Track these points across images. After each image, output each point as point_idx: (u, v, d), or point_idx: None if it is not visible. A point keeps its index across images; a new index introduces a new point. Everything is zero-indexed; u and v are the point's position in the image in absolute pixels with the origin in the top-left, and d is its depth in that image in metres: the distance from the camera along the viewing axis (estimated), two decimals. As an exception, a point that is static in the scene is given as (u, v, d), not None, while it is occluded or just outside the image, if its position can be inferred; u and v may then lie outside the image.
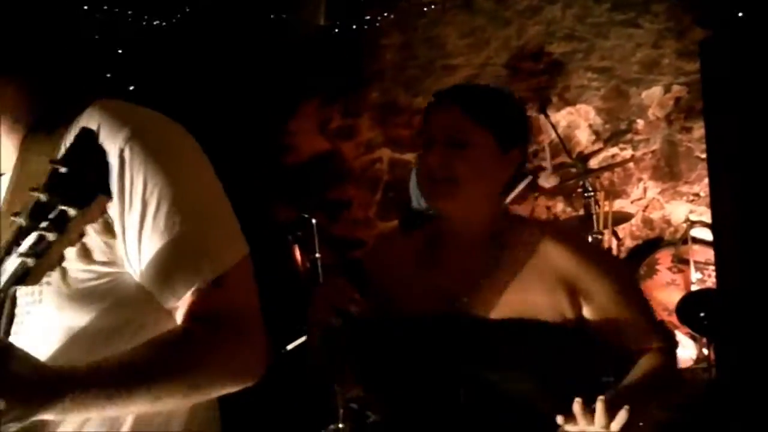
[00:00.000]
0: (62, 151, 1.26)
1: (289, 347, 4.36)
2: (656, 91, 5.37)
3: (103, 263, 1.31)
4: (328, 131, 6.32)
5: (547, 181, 4.96)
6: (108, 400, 1.21)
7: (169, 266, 1.30)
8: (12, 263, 1.08)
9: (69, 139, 1.29)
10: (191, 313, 1.32)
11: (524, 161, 1.92)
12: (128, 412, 1.30)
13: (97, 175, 1.07)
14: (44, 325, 1.32)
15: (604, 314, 1.80)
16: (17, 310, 1.30)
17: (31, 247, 1.06)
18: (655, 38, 5.33)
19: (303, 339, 4.35)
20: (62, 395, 1.16)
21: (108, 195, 1.10)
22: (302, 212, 4.68)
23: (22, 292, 1.31)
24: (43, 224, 1.05)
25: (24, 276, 1.08)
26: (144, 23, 4.31)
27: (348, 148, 6.29)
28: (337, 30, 5.76)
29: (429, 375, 1.79)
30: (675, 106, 5.32)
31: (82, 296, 1.32)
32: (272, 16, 5.25)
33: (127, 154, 1.28)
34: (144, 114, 1.40)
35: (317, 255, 4.52)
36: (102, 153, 1.10)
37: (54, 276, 1.28)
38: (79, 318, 1.32)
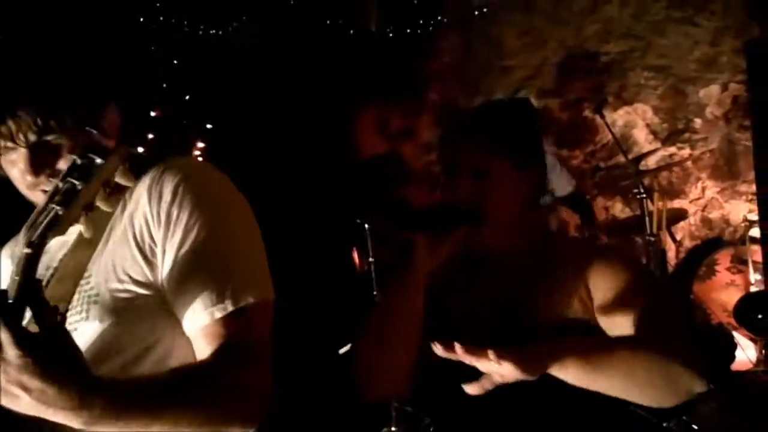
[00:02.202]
0: (131, 197, 1.51)
1: (342, 350, 4.44)
2: (714, 89, 5.30)
3: (143, 284, 1.45)
4: (389, 133, 6.39)
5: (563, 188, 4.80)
6: (135, 417, 1.28)
7: (195, 292, 1.42)
8: (46, 216, 1.17)
9: (140, 188, 1.50)
10: (209, 342, 1.42)
11: (544, 172, 1.97)
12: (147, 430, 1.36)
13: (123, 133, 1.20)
14: (86, 341, 1.42)
15: (637, 328, 1.78)
16: (68, 327, 1.42)
17: (61, 197, 1.17)
18: (712, 36, 5.25)
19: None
20: (95, 398, 1.22)
21: (129, 144, 1.23)
22: (361, 216, 4.75)
23: (73, 311, 1.45)
24: (74, 175, 1.16)
25: (55, 223, 1.17)
26: (200, 33, 4.44)
27: (407, 150, 6.35)
28: (392, 34, 5.82)
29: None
30: (733, 105, 5.24)
31: (121, 313, 1.44)
32: (328, 22, 5.34)
33: (180, 189, 1.45)
34: (198, 163, 1.68)
35: (371, 259, 4.59)
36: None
37: (102, 294, 1.43)
38: (115, 334, 1.44)
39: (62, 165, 1.42)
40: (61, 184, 1.18)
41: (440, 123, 6.19)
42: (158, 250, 1.45)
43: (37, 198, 1.48)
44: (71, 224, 1.21)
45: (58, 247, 1.59)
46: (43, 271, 1.56)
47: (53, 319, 1.21)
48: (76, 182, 1.16)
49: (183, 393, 1.35)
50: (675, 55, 5.38)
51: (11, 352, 1.13)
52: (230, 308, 1.41)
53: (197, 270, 1.42)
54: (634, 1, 5.46)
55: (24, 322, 1.17)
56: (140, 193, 1.51)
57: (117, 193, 1.28)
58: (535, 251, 1.91)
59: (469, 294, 1.91)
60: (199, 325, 1.43)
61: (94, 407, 1.21)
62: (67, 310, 1.42)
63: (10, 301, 1.16)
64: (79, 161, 1.17)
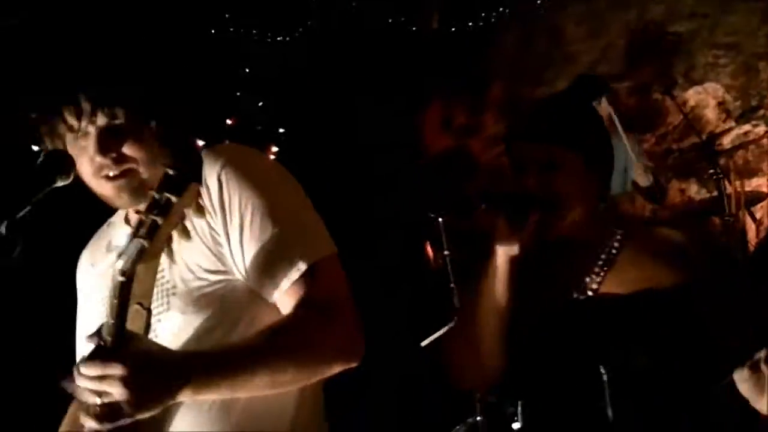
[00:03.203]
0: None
1: (425, 343, 4.45)
2: (787, 63, 5.19)
3: (215, 272, 1.56)
4: (454, 128, 6.39)
5: (639, 179, 4.67)
6: (230, 381, 1.44)
7: (269, 264, 1.53)
8: (132, 248, 1.31)
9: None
10: (293, 302, 1.53)
11: (610, 171, 2.00)
12: (245, 392, 1.49)
13: (190, 170, 1.32)
14: (172, 330, 1.55)
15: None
16: (152, 320, 1.51)
17: (145, 232, 1.30)
18: (782, 9, 5.15)
19: (439, 333, 4.44)
20: (188, 377, 1.37)
21: (198, 181, 1.33)
22: (431, 212, 4.76)
23: (155, 304, 1.54)
24: (154, 212, 1.29)
25: (141, 254, 1.31)
26: (268, 40, 4.52)
27: (474, 144, 6.35)
28: (454, 29, 5.83)
29: (569, 358, 1.84)
30: (807, 78, 5.12)
31: (201, 301, 1.56)
32: (390, 21, 5.38)
33: (223, 177, 1.55)
34: (234, 147, 1.71)
35: (446, 252, 4.60)
36: (197, 155, 1.39)
37: (179, 285, 1.55)
38: (200, 320, 1.56)
39: (126, 150, 1.55)
40: (144, 217, 1.30)
41: (505, 116, 6.18)
42: (222, 239, 1.55)
43: (101, 188, 1.59)
44: (156, 255, 1.36)
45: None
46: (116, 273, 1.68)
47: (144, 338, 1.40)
48: (157, 218, 1.29)
49: (271, 345, 1.48)
50: (744, 31, 5.28)
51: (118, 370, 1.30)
52: (303, 268, 1.52)
53: (264, 244, 1.53)
54: (699, -21, 5.38)
55: None
56: None
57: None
58: (606, 242, 1.93)
59: (546, 285, 1.91)
60: (281, 292, 1.53)
61: (187, 387, 1.37)
62: (150, 304, 1.49)
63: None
64: (157, 196, 1.29)
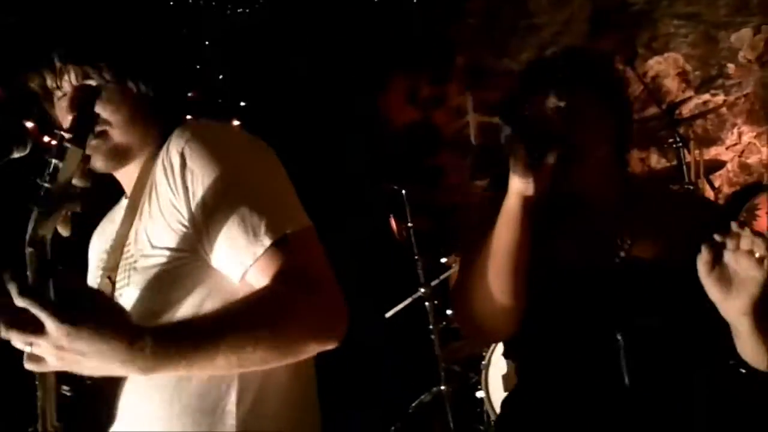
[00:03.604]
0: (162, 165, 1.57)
1: (389, 314, 4.49)
2: (746, 33, 5.21)
3: (176, 249, 1.52)
4: (418, 100, 6.40)
5: None
6: (190, 352, 1.31)
7: (233, 241, 1.47)
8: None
9: (164, 155, 1.56)
10: (264, 279, 1.46)
11: (630, 120, 2.00)
12: (207, 369, 1.36)
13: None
14: (130, 305, 1.51)
15: None
16: (115, 293, 1.52)
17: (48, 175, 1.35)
18: (742, -21, 5.18)
19: (403, 305, 4.48)
20: (142, 340, 1.26)
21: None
22: (395, 183, 4.78)
23: (118, 278, 1.54)
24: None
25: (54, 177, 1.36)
26: (228, 12, 4.48)
27: (438, 116, 6.37)
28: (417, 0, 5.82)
29: (587, 322, 1.81)
30: (766, 48, 5.16)
31: (161, 278, 1.52)
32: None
33: (186, 153, 1.51)
34: (204, 123, 1.64)
35: (410, 224, 4.63)
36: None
37: (139, 260, 1.53)
38: (157, 298, 1.52)
39: (99, 110, 1.52)
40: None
41: (470, 87, 6.19)
42: (186, 217, 1.50)
43: None
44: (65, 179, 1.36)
45: (119, 219, 1.67)
46: (105, 245, 1.69)
47: (79, 282, 1.35)
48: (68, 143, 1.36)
49: (240, 316, 1.37)
50: (704, 1, 5.31)
51: (52, 325, 1.20)
52: (268, 242, 1.45)
53: (228, 221, 1.47)
54: (660, -51, 5.40)
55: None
56: (157, 166, 1.59)
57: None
58: (623, 196, 1.92)
59: (564, 236, 1.89)
60: (245, 267, 1.47)
61: (145, 348, 1.25)
62: (116, 277, 1.52)
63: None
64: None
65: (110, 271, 1.58)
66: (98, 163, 1.60)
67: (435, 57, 6.29)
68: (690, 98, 5.45)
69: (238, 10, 4.54)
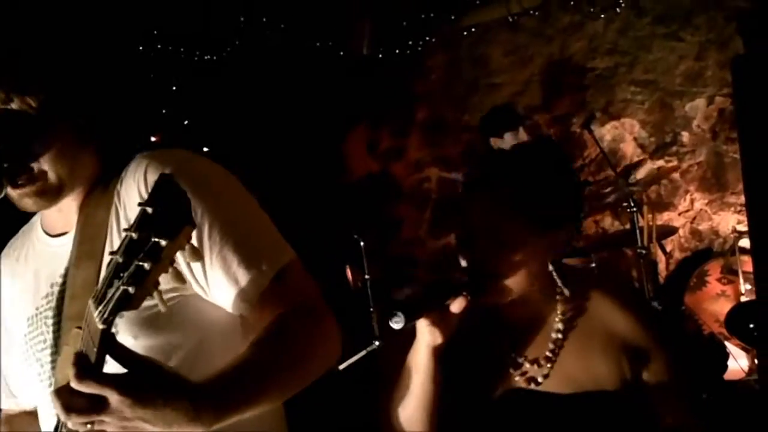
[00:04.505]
0: (120, 199, 1.49)
1: (342, 366, 4.44)
2: (700, 103, 5.36)
3: (167, 290, 1.44)
4: (378, 152, 6.44)
5: None
6: (247, 402, 1.36)
7: (234, 276, 1.47)
8: (114, 293, 1.20)
9: (127, 187, 1.49)
10: (267, 310, 1.47)
11: (574, 229, 1.77)
12: (252, 412, 1.39)
13: (179, 210, 1.19)
14: None
15: (657, 380, 1.74)
16: None
17: (130, 277, 1.17)
18: (697, 50, 5.32)
19: (356, 358, 4.44)
20: (204, 401, 1.29)
21: (191, 224, 1.20)
22: (354, 233, 4.78)
23: None
24: (140, 257, 1.17)
25: (126, 302, 1.20)
26: (196, 59, 4.48)
27: (398, 168, 6.41)
28: (381, 55, 5.88)
29: None
30: (719, 118, 5.29)
31: (154, 321, 1.47)
32: (318, 44, 5.39)
33: None
34: (181, 154, 1.57)
35: (367, 276, 4.62)
36: (181, 193, 1.21)
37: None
38: (154, 342, 1.48)
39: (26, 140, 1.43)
40: (120, 259, 1.19)
41: (429, 141, 6.25)
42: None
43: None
44: (141, 301, 1.22)
45: (54, 260, 1.58)
46: (48, 288, 1.58)
47: (126, 349, 1.28)
48: (145, 264, 1.16)
49: (273, 357, 1.41)
50: (661, 69, 5.45)
51: (115, 399, 1.21)
52: (271, 274, 1.47)
53: (226, 257, 1.46)
54: (620, 17, 5.53)
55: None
56: (131, 197, 1.49)
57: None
58: (551, 322, 1.78)
59: (487, 348, 1.80)
60: (250, 302, 1.47)
61: (207, 409, 1.28)
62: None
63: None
64: (135, 236, 1.17)
65: (78, 319, 1.43)
66: (28, 205, 1.50)
67: (396, 110, 6.35)
68: (644, 162, 5.56)
69: (205, 57, 4.55)
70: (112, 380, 1.22)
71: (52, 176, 1.48)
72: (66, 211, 1.57)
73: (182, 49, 4.38)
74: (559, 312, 1.77)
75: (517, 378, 1.75)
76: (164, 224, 1.16)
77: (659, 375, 1.74)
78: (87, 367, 1.24)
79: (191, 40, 4.53)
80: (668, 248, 5.38)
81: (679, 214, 5.47)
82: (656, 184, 5.37)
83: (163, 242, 1.15)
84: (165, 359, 1.45)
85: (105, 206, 1.51)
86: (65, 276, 1.55)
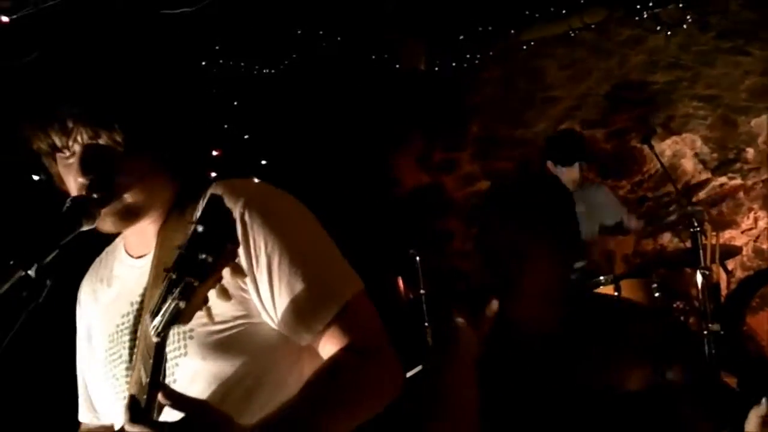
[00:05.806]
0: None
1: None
2: (765, 119, 5.25)
3: (236, 317, 1.50)
4: (430, 165, 6.41)
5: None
6: None
7: (301, 307, 1.48)
8: (168, 308, 1.26)
9: (199, 210, 1.45)
10: (331, 344, 1.49)
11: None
12: None
13: (225, 228, 1.25)
14: (191, 376, 1.49)
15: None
16: (168, 363, 1.48)
17: (181, 293, 1.24)
18: (763, 65, 5.21)
19: (410, 374, 4.39)
20: None
21: (235, 242, 1.27)
22: (410, 248, 4.75)
23: (171, 347, 1.49)
24: (189, 273, 1.23)
25: (178, 316, 1.27)
26: (255, 72, 4.50)
27: (449, 182, 6.37)
28: (437, 68, 5.85)
29: None
30: (785, 134, 5.19)
31: (222, 345, 1.50)
32: (373, 57, 5.39)
33: (246, 218, 1.49)
34: (254, 185, 1.62)
35: (422, 291, 4.57)
36: (227, 212, 1.28)
37: (197, 329, 1.48)
38: (222, 366, 1.50)
39: (111, 171, 1.48)
40: (174, 276, 1.25)
41: (481, 155, 6.21)
42: (247, 284, 1.49)
43: None
44: (192, 315, 1.30)
45: (134, 279, 1.63)
46: (128, 307, 1.63)
47: (181, 395, 1.32)
48: (194, 280, 1.23)
49: (329, 402, 1.42)
50: (725, 84, 5.35)
51: None
52: (336, 309, 1.48)
53: (295, 288, 1.48)
54: (682, 31, 5.44)
55: None
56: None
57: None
58: (572, 322, 1.89)
59: (513, 371, 1.87)
60: (314, 334, 1.49)
61: None
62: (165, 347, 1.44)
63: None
64: (186, 254, 1.24)
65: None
66: (107, 225, 1.54)
67: (449, 123, 6.32)
68: (707, 180, 5.45)
69: (264, 71, 4.55)
70: (165, 428, 1.25)
71: (131, 201, 1.54)
72: (146, 234, 1.63)
73: (242, 64, 4.40)
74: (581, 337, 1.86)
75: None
76: (210, 242, 1.24)
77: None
78: (138, 411, 1.29)
79: (251, 53, 4.55)
80: (730, 267, 5.26)
81: (742, 233, 5.36)
82: (718, 202, 5.27)
83: (210, 259, 1.23)
84: (229, 385, 1.49)
85: (182, 230, 1.49)
86: (143, 295, 1.60)
